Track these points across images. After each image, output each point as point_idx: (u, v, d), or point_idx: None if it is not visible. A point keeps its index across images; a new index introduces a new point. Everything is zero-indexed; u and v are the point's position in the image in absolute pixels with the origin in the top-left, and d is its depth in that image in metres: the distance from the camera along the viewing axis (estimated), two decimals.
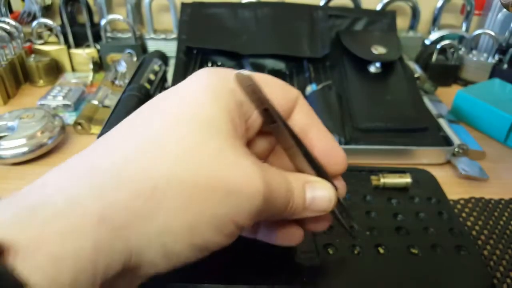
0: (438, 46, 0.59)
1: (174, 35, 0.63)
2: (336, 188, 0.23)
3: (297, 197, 0.22)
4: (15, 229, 0.15)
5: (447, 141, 0.44)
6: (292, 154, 0.23)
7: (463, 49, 0.62)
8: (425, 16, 0.67)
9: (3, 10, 0.62)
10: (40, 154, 0.42)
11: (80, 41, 0.62)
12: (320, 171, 0.23)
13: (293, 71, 0.55)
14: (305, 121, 0.23)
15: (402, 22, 0.67)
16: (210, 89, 0.20)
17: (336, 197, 0.23)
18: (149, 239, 0.17)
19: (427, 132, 0.45)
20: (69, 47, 0.61)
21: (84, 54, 0.61)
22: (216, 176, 0.18)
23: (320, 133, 0.24)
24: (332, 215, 0.25)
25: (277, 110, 0.22)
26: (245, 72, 0.21)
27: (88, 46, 0.62)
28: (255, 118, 0.22)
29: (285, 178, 0.21)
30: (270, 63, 0.55)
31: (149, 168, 0.17)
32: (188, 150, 0.18)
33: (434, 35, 0.62)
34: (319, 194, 0.22)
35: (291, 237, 0.25)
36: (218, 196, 0.18)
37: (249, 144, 0.23)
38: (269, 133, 0.24)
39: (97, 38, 0.62)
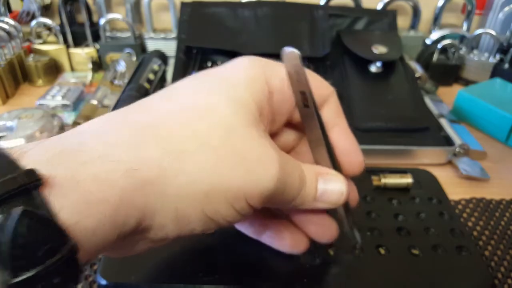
0: (439, 46, 0.59)
1: (174, 35, 0.63)
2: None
3: (309, 186, 0.22)
4: (53, 168, 0.15)
5: (448, 141, 0.44)
6: (314, 145, 0.24)
7: (464, 49, 0.62)
8: (426, 15, 0.66)
9: (2, 9, 0.62)
10: None
11: (79, 41, 0.62)
12: (336, 167, 0.23)
13: None
14: (332, 118, 0.24)
15: (403, 22, 0.67)
16: (247, 74, 0.21)
17: (348, 192, 0.23)
18: (165, 200, 0.18)
19: (428, 132, 0.45)
20: (68, 46, 0.61)
21: (83, 54, 0.61)
22: (241, 150, 0.19)
23: (343, 133, 0.24)
24: (338, 224, 0.25)
25: (313, 95, 0.22)
26: (296, 51, 0.21)
27: (87, 45, 0.62)
28: (284, 111, 0.23)
29: (299, 166, 0.22)
30: None
31: (182, 130, 0.18)
32: (219, 120, 0.19)
33: (435, 35, 0.61)
34: (331, 186, 0.23)
35: (297, 245, 0.25)
36: (238, 170, 0.18)
37: (274, 135, 0.24)
38: (295, 128, 0.25)
39: (96, 37, 0.62)
